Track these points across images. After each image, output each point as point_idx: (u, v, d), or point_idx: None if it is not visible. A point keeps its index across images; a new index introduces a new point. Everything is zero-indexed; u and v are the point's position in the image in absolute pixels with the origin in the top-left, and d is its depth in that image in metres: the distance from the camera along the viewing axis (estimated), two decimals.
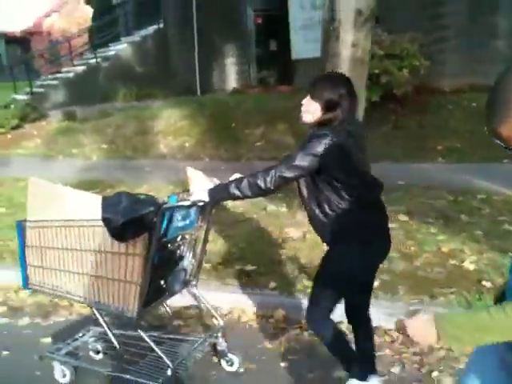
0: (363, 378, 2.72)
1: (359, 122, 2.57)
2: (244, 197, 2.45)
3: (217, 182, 2.58)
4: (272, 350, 3.37)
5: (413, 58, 8.61)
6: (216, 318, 3.10)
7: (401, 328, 1.55)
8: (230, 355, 3.11)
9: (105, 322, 2.85)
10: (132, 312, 2.73)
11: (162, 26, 14.27)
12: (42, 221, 2.88)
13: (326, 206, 2.45)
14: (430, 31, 9.38)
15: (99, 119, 11.12)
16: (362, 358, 2.78)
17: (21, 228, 3.00)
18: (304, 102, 2.52)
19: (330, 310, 2.59)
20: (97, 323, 2.98)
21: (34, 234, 2.94)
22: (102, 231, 2.67)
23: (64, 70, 14.54)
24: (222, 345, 3.10)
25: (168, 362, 2.72)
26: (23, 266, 3.03)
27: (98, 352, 3.28)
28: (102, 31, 15.43)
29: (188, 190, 2.67)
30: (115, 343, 2.79)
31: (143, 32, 14.58)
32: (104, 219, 2.62)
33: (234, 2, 13.56)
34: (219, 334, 3.10)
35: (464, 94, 9.06)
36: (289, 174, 2.37)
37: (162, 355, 2.74)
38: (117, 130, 10.31)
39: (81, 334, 3.27)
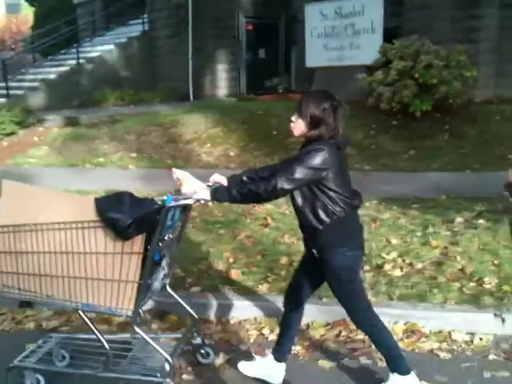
0: (406, 372, 2.72)
1: (346, 135, 2.69)
2: (243, 202, 2.79)
3: (202, 183, 2.80)
4: None
5: (464, 69, 8.68)
6: (191, 315, 3.15)
7: None
8: (206, 348, 3.19)
9: (93, 324, 2.86)
10: (127, 311, 2.76)
11: (146, 27, 13.32)
12: (17, 225, 2.80)
13: (322, 213, 2.58)
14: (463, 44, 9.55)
15: (108, 124, 10.08)
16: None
17: None
18: (293, 118, 2.66)
19: (368, 306, 2.74)
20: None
21: (6, 238, 2.84)
22: (95, 232, 2.68)
23: (42, 70, 13.06)
24: (197, 339, 3.19)
25: (166, 356, 2.76)
26: None
27: (63, 358, 3.17)
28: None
29: (179, 191, 2.78)
30: (105, 345, 2.81)
31: (125, 33, 13.55)
32: (111, 219, 2.62)
33: (226, 5, 13.04)
34: (194, 329, 3.19)
35: (493, 105, 9.32)
36: (288, 186, 2.52)
37: (159, 349, 2.79)
38: (138, 137, 9.38)
39: (41, 342, 3.17)
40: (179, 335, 3.25)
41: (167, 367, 2.76)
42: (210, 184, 2.87)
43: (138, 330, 2.82)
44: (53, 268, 2.80)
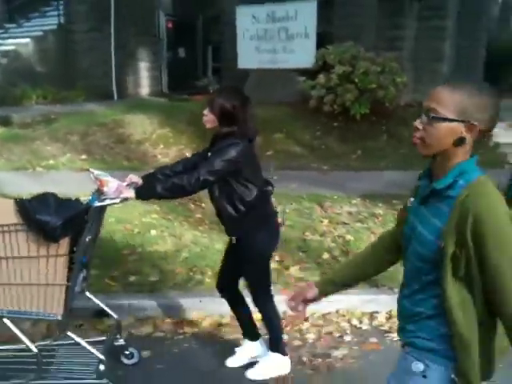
0: (285, 352, 3.17)
1: (255, 127, 2.98)
2: (169, 197, 2.88)
3: (122, 182, 2.86)
4: None
5: (396, 75, 9.57)
6: (112, 316, 3.26)
7: None
8: (130, 349, 3.30)
9: (20, 330, 2.83)
10: (57, 315, 2.76)
11: (62, 20, 12.65)
12: None
13: (238, 203, 2.87)
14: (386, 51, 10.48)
15: (43, 124, 9.53)
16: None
17: None
18: (205, 112, 2.90)
19: (270, 288, 3.08)
20: None
21: None
22: (16, 235, 2.64)
23: None
24: (119, 340, 3.30)
25: (101, 357, 2.84)
26: None
27: None
28: None
29: (99, 191, 2.82)
30: (34, 350, 2.78)
31: (40, 25, 12.78)
32: (39, 221, 2.59)
33: (147, 3, 12.90)
34: (116, 331, 3.29)
35: (414, 108, 10.37)
36: (210, 178, 2.77)
37: (95, 351, 2.87)
38: (83, 137, 9.02)
39: None
40: (103, 338, 3.26)
41: (102, 368, 2.82)
42: (127, 183, 2.91)
43: (70, 333, 2.85)
44: None
